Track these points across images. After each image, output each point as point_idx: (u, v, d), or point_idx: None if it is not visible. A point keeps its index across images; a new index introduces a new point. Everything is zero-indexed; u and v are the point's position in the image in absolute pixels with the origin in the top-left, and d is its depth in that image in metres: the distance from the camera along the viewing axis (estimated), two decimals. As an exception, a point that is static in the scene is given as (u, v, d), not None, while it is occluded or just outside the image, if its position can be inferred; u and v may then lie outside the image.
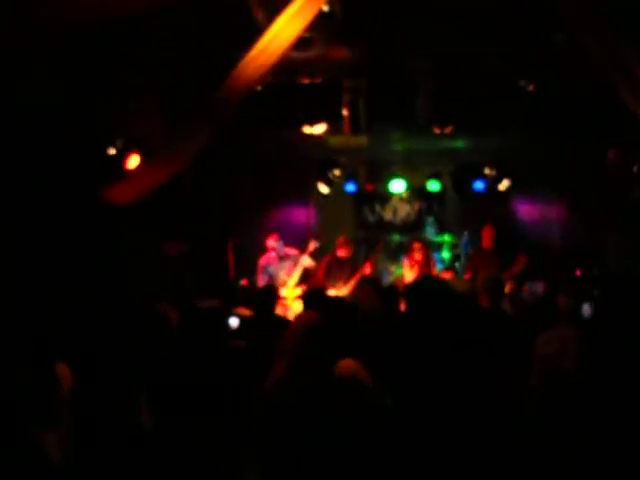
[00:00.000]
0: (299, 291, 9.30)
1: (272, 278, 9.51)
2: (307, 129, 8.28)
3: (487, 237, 9.45)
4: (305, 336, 3.26)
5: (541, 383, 4.67)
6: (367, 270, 9.20)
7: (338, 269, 9.45)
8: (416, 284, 4.09)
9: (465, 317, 4.19)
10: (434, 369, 3.19)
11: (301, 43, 6.56)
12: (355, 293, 6.76)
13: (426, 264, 9.57)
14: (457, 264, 11.24)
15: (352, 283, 8.94)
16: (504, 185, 11.12)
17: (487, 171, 11.13)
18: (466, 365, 3.23)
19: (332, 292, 8.89)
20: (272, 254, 9.75)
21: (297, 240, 10.13)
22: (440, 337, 3.32)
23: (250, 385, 3.89)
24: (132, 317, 4.74)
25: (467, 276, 9.40)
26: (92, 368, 3.81)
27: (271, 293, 6.84)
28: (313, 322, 3.37)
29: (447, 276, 9.74)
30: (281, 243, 9.65)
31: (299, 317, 3.60)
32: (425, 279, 6.31)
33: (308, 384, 3.13)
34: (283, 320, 6.62)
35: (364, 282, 6.86)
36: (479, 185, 11.22)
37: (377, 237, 11.53)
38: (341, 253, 9.48)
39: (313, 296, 5.78)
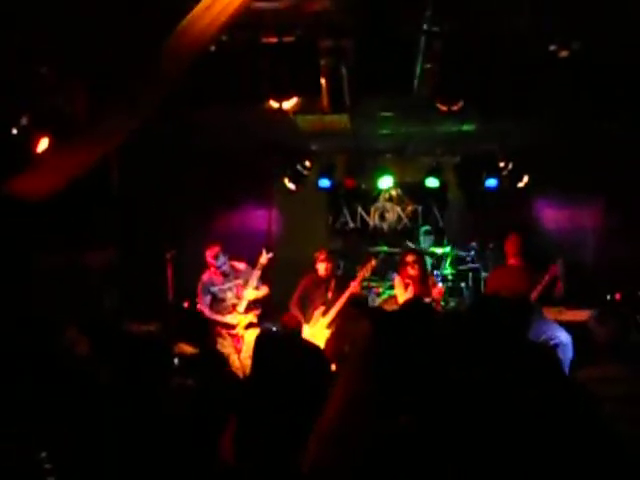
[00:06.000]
0: (252, 317, 9.22)
1: (217, 300, 9.34)
2: (273, 104, 8.14)
3: (512, 249, 9.26)
4: None
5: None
6: (354, 290, 9.13)
7: (316, 291, 9.41)
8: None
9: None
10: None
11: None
12: (342, 319, 6.70)
13: (422, 282, 9.49)
14: (463, 284, 11.20)
15: (336, 308, 8.90)
16: (523, 182, 11.16)
17: (502, 164, 11.15)
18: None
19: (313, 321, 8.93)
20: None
21: (254, 251, 9.95)
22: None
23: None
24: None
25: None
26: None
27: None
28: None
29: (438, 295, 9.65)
30: (224, 257, 9.36)
31: None
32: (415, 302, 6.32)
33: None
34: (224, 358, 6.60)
35: (354, 304, 6.79)
36: (491, 182, 11.23)
37: (359, 249, 11.47)
38: (322, 271, 9.43)
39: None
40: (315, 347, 5.07)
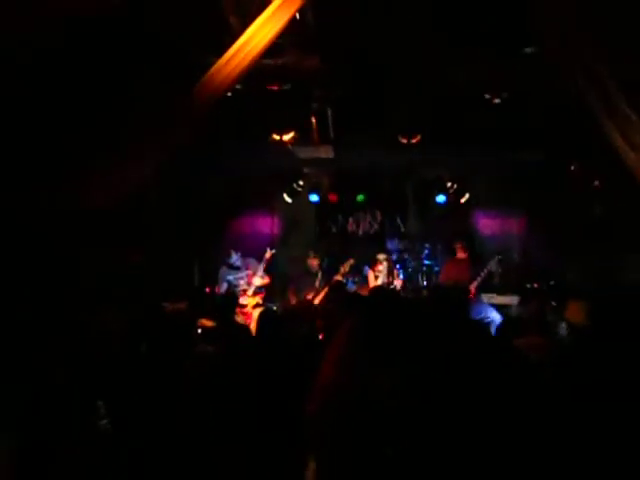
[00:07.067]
0: (258, 299, 9.36)
1: (231, 286, 9.56)
2: (275, 137, 8.26)
3: (460, 248, 9.53)
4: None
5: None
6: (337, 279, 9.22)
7: (307, 281, 9.56)
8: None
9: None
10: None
11: (272, 50, 6.50)
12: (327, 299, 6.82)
13: (389, 274, 9.63)
14: (419, 275, 11.30)
15: (322, 294, 8.98)
16: (465, 198, 11.28)
17: (449, 184, 11.27)
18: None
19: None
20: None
21: (261, 248, 10.10)
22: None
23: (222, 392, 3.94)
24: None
25: None
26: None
27: (231, 301, 6.94)
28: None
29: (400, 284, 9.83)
30: (236, 255, 9.76)
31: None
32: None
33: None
34: (244, 328, 6.70)
35: (334, 288, 6.89)
36: (441, 198, 11.35)
37: (340, 249, 11.54)
38: (311, 266, 9.62)
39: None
40: (304, 321, 5.13)
